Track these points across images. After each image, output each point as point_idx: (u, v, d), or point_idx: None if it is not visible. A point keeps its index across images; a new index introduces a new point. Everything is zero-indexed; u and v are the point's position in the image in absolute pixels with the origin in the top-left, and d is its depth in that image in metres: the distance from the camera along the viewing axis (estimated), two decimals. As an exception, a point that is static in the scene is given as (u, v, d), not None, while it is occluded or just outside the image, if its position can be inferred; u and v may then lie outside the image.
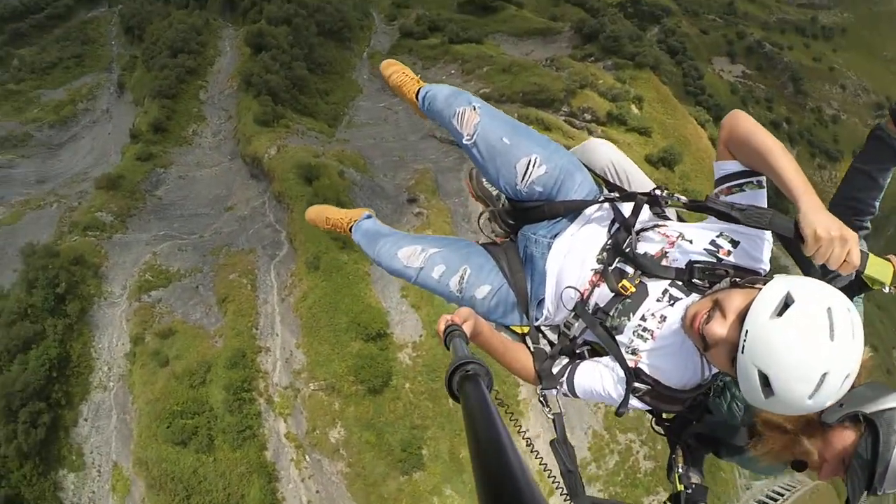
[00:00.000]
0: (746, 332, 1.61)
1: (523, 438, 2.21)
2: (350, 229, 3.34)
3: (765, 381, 1.59)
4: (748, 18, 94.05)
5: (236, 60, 49.91)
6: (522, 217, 2.61)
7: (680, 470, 2.20)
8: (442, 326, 1.84)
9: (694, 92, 69.96)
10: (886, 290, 1.76)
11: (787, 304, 1.59)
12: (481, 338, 2.14)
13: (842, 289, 1.83)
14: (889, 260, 1.78)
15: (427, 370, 27.14)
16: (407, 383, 26.87)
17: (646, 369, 2.09)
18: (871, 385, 1.72)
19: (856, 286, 1.95)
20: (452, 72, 50.54)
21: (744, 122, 1.97)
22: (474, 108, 2.58)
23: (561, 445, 2.10)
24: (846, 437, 1.73)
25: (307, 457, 26.05)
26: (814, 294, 1.60)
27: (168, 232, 36.92)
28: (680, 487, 2.18)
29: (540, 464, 2.07)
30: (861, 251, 1.66)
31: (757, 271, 1.99)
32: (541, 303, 2.47)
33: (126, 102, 52.46)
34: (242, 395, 26.57)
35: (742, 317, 1.68)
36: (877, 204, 2.33)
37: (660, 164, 42.83)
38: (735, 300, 1.75)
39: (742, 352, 1.62)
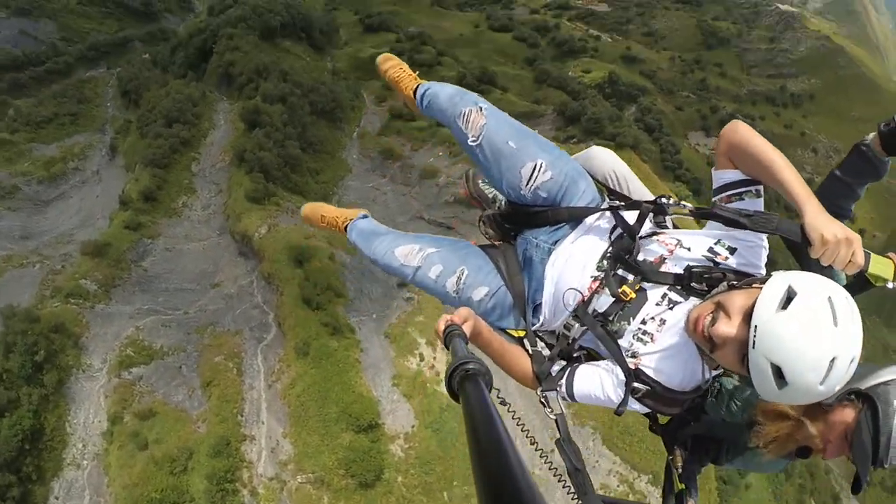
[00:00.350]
0: (755, 327, 1.68)
1: (527, 436, 2.30)
2: (345, 228, 3.40)
3: (778, 372, 1.65)
4: (720, 93, 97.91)
5: (230, 135, 50.79)
6: (524, 221, 2.65)
7: (680, 470, 2.23)
8: (442, 326, 1.87)
9: (672, 167, 72.34)
10: (890, 285, 1.83)
11: (789, 297, 1.67)
12: (480, 339, 2.17)
13: (846, 288, 1.94)
14: (890, 258, 1.85)
15: (420, 462, 26.90)
16: (399, 477, 26.57)
17: (646, 371, 2.12)
18: (862, 365, 1.75)
19: (857, 285, 2.02)
20: (440, 154, 51.82)
21: (744, 132, 2.06)
22: (481, 110, 2.62)
23: (566, 444, 2.09)
24: (846, 415, 1.80)
25: (292, 556, 25.38)
26: (814, 285, 1.70)
27: (152, 306, 36.62)
28: (680, 486, 2.22)
29: (546, 464, 2.14)
30: (864, 251, 1.75)
31: (753, 275, 2.05)
32: (537, 308, 2.50)
33: (117, 166, 52.70)
34: (225, 485, 26.01)
35: (747, 315, 1.76)
36: (852, 208, 2.39)
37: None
38: (737, 300, 1.83)
39: (753, 347, 1.69)
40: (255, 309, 35.06)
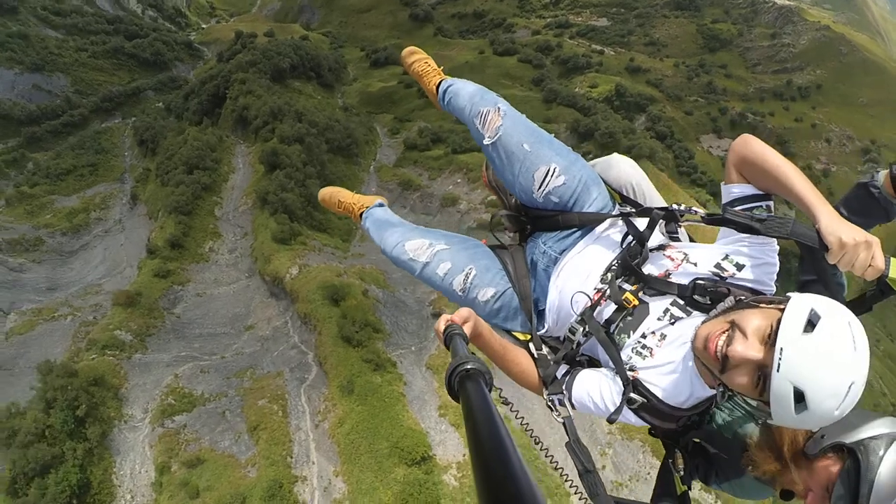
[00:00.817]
0: (781, 350, 1.61)
1: (536, 442, 2.27)
2: (360, 215, 3.42)
3: (799, 396, 1.60)
4: (728, 94, 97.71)
5: (250, 177, 51.60)
6: (535, 224, 2.65)
7: (681, 472, 2.20)
8: (441, 326, 1.87)
9: (688, 172, 72.68)
10: None
11: (812, 320, 1.61)
12: (481, 340, 2.14)
13: (859, 301, 1.99)
14: None
15: (475, 490, 26.39)
16: None
17: (644, 383, 2.10)
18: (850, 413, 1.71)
19: (877, 292, 1.94)
20: (459, 180, 52.31)
21: (755, 145, 2.02)
22: (499, 110, 2.61)
23: (576, 446, 2.07)
24: (829, 467, 1.78)
25: None
26: (834, 308, 1.64)
27: (189, 353, 36.78)
28: (682, 488, 2.20)
29: (555, 467, 2.22)
30: (883, 255, 1.70)
31: (762, 293, 2.03)
32: (541, 313, 2.51)
33: (139, 215, 53.34)
34: (282, 528, 25.91)
35: (765, 336, 1.71)
36: None
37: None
38: (753, 320, 1.76)
39: (777, 370, 1.61)
40: (293, 349, 35.19)
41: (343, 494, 26.91)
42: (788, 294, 1.78)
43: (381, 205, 3.43)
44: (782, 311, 1.70)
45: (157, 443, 30.84)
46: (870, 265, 1.68)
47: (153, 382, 34.24)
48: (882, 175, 2.21)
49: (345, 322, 33.35)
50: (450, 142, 56.22)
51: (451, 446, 28.58)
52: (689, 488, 2.21)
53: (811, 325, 1.60)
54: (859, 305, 1.98)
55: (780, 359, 1.61)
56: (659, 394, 2.07)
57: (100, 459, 30.02)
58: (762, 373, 1.70)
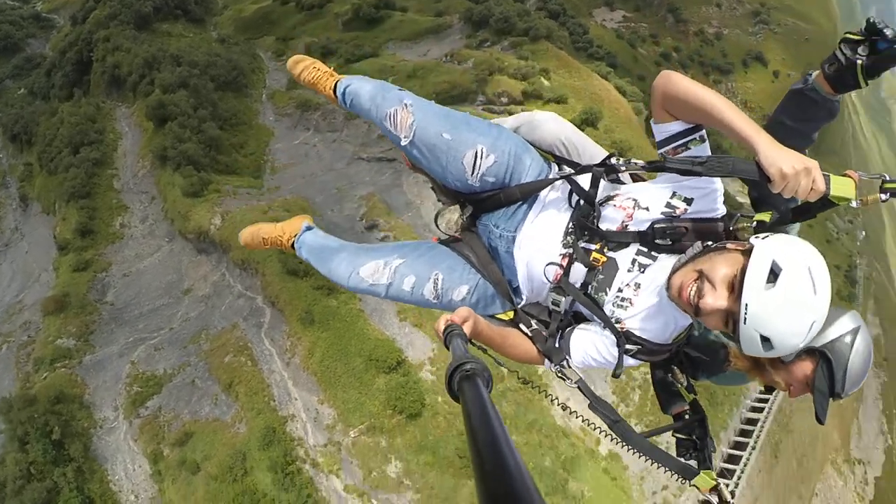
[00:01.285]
0: (746, 305, 1.75)
1: (560, 405, 2.60)
2: (292, 246, 3.22)
3: (766, 340, 1.77)
4: None
5: (140, 138, 47.67)
6: (478, 206, 2.58)
7: (683, 383, 2.38)
8: (441, 327, 1.91)
9: (584, 46, 72.16)
10: (854, 204, 1.84)
11: (774, 272, 1.73)
12: (482, 336, 2.18)
13: (804, 209, 2.13)
14: (849, 176, 1.85)
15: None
16: (439, 397, 26.63)
17: (633, 332, 2.21)
18: None
19: (819, 205, 2.03)
20: (360, 89, 49.92)
21: (677, 81, 2.00)
22: (406, 107, 2.50)
23: (597, 403, 2.22)
24: (805, 367, 2.01)
25: (373, 501, 25.27)
26: (795, 256, 1.76)
27: (136, 336, 34.95)
28: (690, 397, 2.38)
29: (587, 425, 2.41)
30: (823, 174, 1.77)
31: (714, 218, 2.12)
32: (516, 290, 2.52)
33: (34, 215, 49.04)
34: (289, 468, 25.69)
35: (731, 285, 1.83)
36: (806, 153, 2.18)
37: (584, 126, 44.01)
38: (720, 268, 1.87)
39: (744, 323, 1.77)
40: (240, 298, 33.87)
41: (333, 419, 26.88)
42: (752, 241, 1.89)
43: (308, 227, 3.21)
44: (747, 254, 1.83)
45: (140, 434, 29.80)
46: (811, 189, 1.74)
47: (112, 378, 32.66)
48: (815, 75, 2.22)
49: (285, 256, 31.99)
50: (341, 52, 52.87)
51: (419, 346, 28.91)
52: (696, 394, 2.38)
53: (774, 275, 1.73)
54: (804, 213, 2.16)
55: (745, 313, 1.76)
56: (649, 336, 2.21)
57: (92, 473, 28.84)
58: (732, 317, 1.83)
